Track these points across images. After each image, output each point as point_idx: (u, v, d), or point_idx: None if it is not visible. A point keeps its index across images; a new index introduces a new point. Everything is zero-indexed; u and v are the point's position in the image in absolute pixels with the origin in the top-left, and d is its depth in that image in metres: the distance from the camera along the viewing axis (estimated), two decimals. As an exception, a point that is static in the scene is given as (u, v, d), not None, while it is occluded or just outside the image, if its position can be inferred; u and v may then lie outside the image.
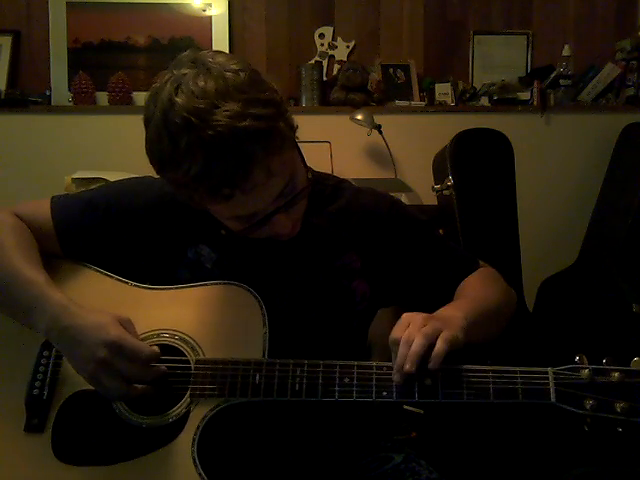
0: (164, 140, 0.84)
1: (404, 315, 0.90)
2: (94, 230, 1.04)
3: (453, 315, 0.92)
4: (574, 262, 2.59)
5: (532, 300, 2.52)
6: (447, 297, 1.06)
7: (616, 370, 0.85)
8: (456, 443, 1.84)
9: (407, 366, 0.83)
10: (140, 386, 0.89)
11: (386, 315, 1.17)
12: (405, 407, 1.81)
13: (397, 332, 0.87)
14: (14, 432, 0.94)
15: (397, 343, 0.86)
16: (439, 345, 0.84)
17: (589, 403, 0.83)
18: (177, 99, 0.83)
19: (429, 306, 1.13)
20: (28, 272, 0.95)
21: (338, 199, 1.09)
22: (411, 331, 0.86)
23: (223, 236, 1.00)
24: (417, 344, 0.84)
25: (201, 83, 0.84)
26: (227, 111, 0.82)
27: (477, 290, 1.05)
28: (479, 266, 1.13)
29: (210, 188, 0.85)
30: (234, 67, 0.86)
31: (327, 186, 1.10)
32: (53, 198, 1.08)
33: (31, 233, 1.03)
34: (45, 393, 0.96)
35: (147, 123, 0.88)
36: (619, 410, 0.82)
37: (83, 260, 1.05)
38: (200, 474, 0.87)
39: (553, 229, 2.78)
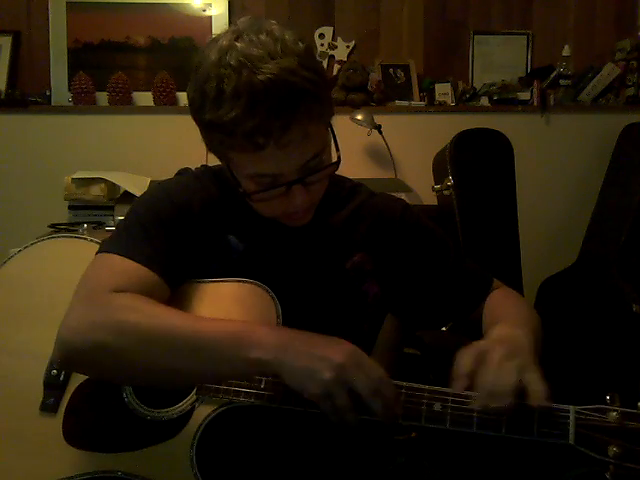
0: (212, 80, 0.85)
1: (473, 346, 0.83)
2: (167, 246, 0.96)
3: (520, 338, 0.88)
4: (574, 262, 2.60)
5: (532, 300, 2.52)
6: (456, 306, 1.05)
7: None
8: (457, 443, 1.84)
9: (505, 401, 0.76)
10: (356, 416, 0.80)
11: (388, 319, 1.16)
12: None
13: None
14: (31, 409, 0.96)
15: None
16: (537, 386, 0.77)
17: (613, 450, 0.74)
18: (236, 43, 0.86)
19: (437, 316, 1.13)
20: (191, 326, 0.85)
21: (353, 201, 1.10)
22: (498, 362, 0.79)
23: (250, 226, 0.99)
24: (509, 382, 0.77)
25: (262, 37, 0.86)
26: (281, 64, 0.84)
27: (520, 312, 1.02)
28: (493, 280, 1.11)
29: (246, 133, 0.84)
30: (293, 37, 0.88)
31: (343, 188, 1.11)
32: (118, 250, 0.94)
33: (141, 295, 0.89)
34: (62, 375, 0.97)
35: (197, 67, 0.89)
36: None
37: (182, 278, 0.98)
38: (196, 474, 0.87)
39: (553, 229, 2.79)
